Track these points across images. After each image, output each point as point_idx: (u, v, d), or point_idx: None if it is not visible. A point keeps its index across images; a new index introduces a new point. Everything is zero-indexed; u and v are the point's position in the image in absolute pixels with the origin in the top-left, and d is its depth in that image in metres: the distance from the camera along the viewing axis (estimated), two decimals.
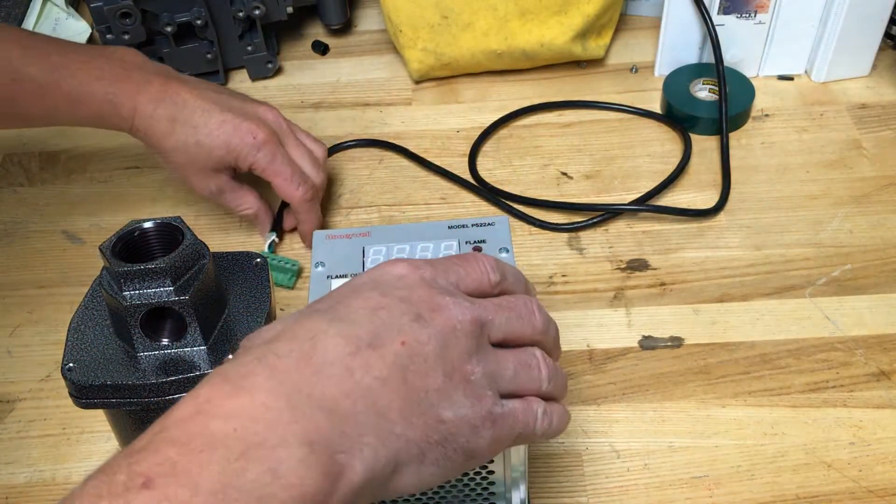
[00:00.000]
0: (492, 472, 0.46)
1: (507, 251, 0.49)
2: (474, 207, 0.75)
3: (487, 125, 0.81)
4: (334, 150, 0.80)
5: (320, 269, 0.48)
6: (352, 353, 0.35)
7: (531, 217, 0.73)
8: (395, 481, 0.36)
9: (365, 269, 0.48)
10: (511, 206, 0.74)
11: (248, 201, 0.70)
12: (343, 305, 0.38)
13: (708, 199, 0.74)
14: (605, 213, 0.72)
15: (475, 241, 0.50)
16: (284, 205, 0.73)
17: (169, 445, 0.31)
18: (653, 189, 0.74)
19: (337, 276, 0.48)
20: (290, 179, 0.67)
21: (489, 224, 0.51)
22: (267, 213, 0.72)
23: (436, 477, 0.37)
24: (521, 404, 0.40)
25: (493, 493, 0.48)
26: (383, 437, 0.35)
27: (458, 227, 0.51)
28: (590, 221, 0.72)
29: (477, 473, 0.46)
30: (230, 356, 0.37)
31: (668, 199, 0.74)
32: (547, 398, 0.41)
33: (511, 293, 0.42)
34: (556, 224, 0.72)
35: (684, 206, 0.73)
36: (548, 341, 0.42)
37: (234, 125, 0.65)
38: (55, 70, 0.63)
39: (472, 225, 0.51)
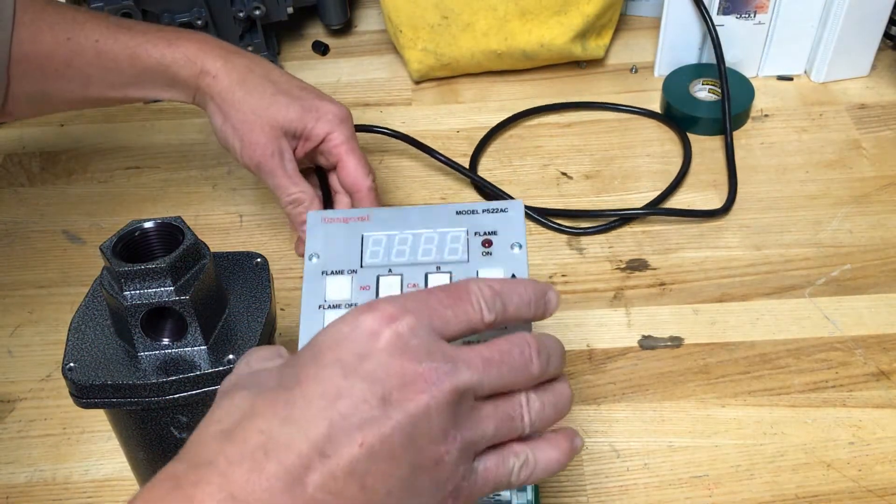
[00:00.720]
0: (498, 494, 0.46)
1: (521, 246, 0.45)
2: None
3: (491, 126, 0.81)
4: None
5: (315, 261, 0.46)
6: (304, 465, 0.32)
7: (545, 221, 0.72)
8: None
9: (362, 263, 0.45)
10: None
11: (303, 184, 0.62)
12: (300, 393, 0.34)
13: (707, 200, 0.74)
14: (617, 219, 0.72)
15: (485, 232, 0.46)
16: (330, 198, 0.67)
17: None
18: (662, 192, 0.74)
19: (333, 273, 0.45)
20: (363, 162, 0.62)
21: (502, 210, 0.46)
22: (319, 204, 0.64)
23: None
24: (494, 461, 0.37)
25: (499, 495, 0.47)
26: None
27: (467, 212, 0.47)
28: (603, 226, 0.71)
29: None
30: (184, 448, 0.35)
31: (667, 200, 0.74)
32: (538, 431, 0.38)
33: (512, 321, 0.39)
34: (571, 228, 0.72)
35: (683, 206, 0.73)
36: (547, 376, 0.39)
37: (317, 93, 0.62)
38: (113, 27, 0.60)
39: (483, 211, 0.47)
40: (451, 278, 0.45)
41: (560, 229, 0.72)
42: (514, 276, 0.45)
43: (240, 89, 0.60)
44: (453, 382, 0.34)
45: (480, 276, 0.45)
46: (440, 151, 0.76)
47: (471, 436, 0.36)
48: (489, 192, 0.75)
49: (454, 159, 0.79)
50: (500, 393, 0.37)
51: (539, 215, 0.72)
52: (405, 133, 0.77)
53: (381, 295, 0.45)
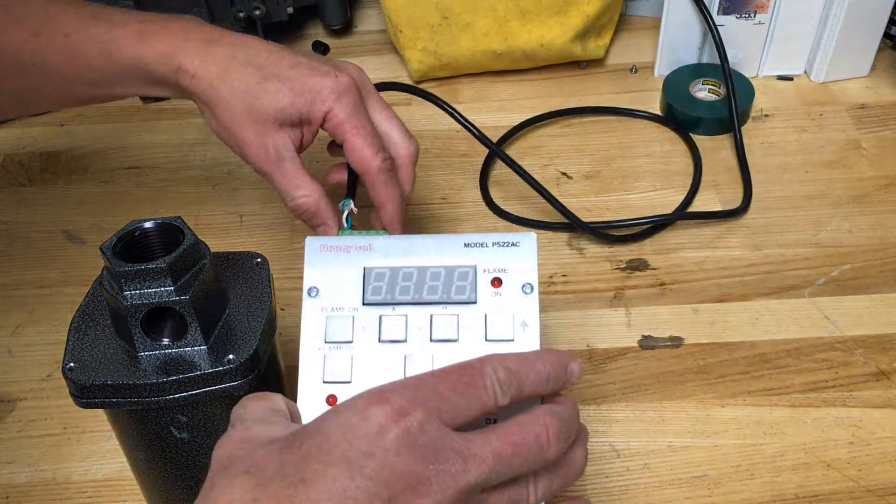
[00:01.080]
0: None
1: (532, 289, 0.43)
2: (474, 208, 0.75)
3: (501, 126, 0.80)
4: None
5: (315, 299, 0.44)
6: None
7: (597, 234, 0.71)
8: None
9: (364, 300, 0.43)
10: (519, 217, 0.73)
11: (307, 186, 0.55)
12: (305, 491, 0.33)
13: (707, 200, 0.74)
14: (651, 226, 0.71)
15: (495, 270, 0.44)
16: (352, 177, 0.58)
17: None
18: (685, 198, 0.74)
19: (333, 310, 0.44)
20: (369, 140, 0.54)
21: (513, 244, 0.44)
22: (328, 209, 0.56)
23: None
24: None
25: None
26: None
27: (476, 245, 0.44)
28: (639, 234, 0.71)
29: None
30: None
31: (666, 200, 0.74)
32: None
33: (528, 399, 0.37)
34: (610, 235, 0.71)
35: (675, 206, 0.73)
36: (565, 451, 0.37)
37: (311, 67, 0.53)
38: (86, 19, 0.54)
39: (493, 244, 0.44)
40: (457, 321, 0.44)
41: (607, 238, 0.70)
42: (524, 321, 0.44)
43: (222, 84, 0.53)
44: (460, 484, 0.34)
45: (489, 323, 0.44)
46: (439, 152, 0.76)
47: None
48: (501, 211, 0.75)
49: (454, 159, 0.79)
50: (509, 480, 0.36)
51: (583, 228, 0.70)
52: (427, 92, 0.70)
53: (384, 337, 0.44)
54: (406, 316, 0.44)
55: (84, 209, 0.77)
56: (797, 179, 0.76)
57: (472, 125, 0.68)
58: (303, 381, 0.44)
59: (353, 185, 0.57)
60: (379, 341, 0.44)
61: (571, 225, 0.71)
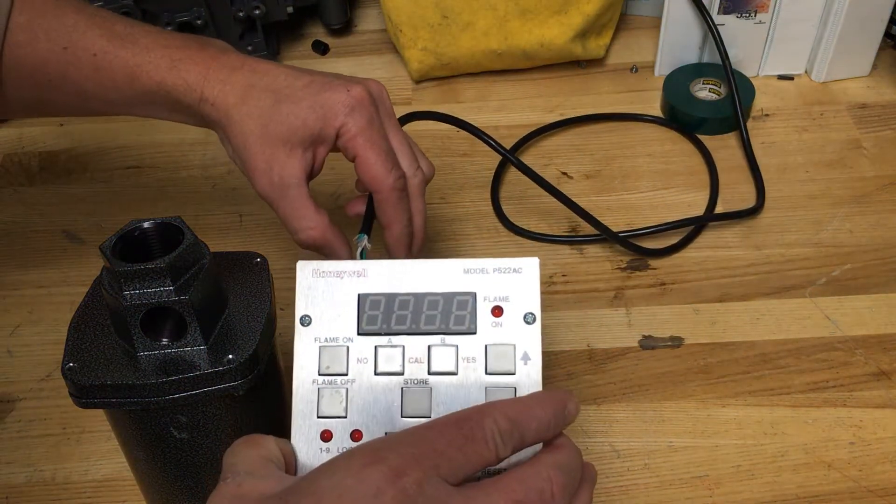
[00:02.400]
0: None
1: (534, 318, 0.42)
2: (474, 207, 0.75)
3: (506, 134, 0.80)
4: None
5: (308, 327, 0.42)
6: None
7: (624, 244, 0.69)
8: None
9: (359, 329, 0.42)
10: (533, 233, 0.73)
11: (312, 218, 0.53)
12: None
13: (699, 199, 0.74)
14: (684, 235, 0.71)
15: (495, 298, 0.42)
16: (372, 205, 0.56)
17: None
18: (709, 202, 0.73)
19: (327, 341, 0.43)
20: (383, 156, 0.52)
21: (515, 271, 0.42)
22: (337, 238, 0.54)
23: None
24: None
25: None
26: None
27: (476, 271, 0.42)
28: (678, 245, 0.70)
29: None
30: None
31: (667, 201, 0.74)
32: None
33: (531, 445, 0.36)
34: (645, 248, 0.70)
35: (679, 207, 0.73)
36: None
37: (325, 83, 0.52)
38: (115, 39, 0.53)
39: (494, 270, 0.42)
40: (456, 353, 0.42)
41: (639, 250, 0.69)
42: (525, 353, 0.42)
43: (237, 112, 0.52)
44: None
45: (490, 355, 0.42)
46: (440, 151, 0.76)
47: None
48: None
49: (454, 159, 0.79)
50: None
51: (611, 238, 0.69)
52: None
53: (380, 367, 0.43)
54: (403, 346, 0.43)
55: (84, 209, 0.77)
56: (798, 179, 0.75)
57: (490, 138, 0.65)
58: (296, 416, 0.43)
59: (371, 218, 0.55)
60: (375, 373, 0.43)
61: (581, 237, 0.71)
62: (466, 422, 0.35)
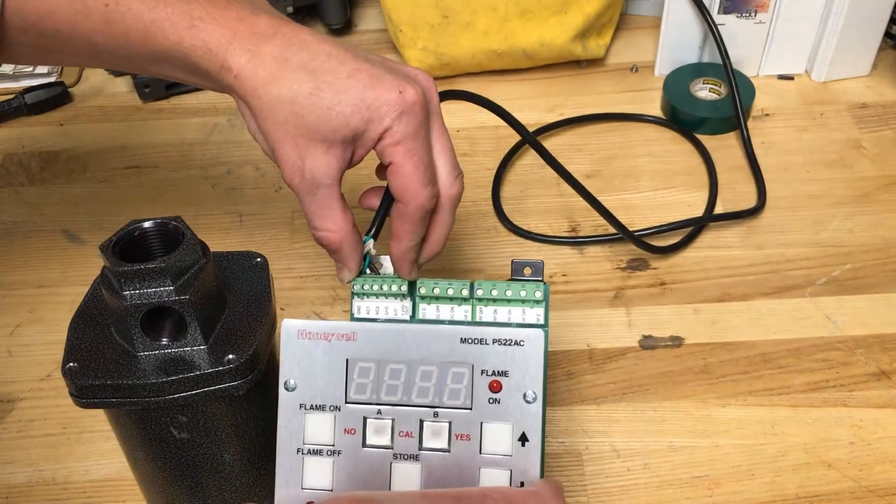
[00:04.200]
0: None
1: (536, 397, 0.39)
2: (474, 207, 0.75)
3: (514, 144, 0.79)
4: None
5: (291, 392, 0.40)
6: None
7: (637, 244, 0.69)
8: None
9: (347, 398, 0.40)
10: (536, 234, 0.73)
11: (336, 222, 0.48)
12: None
13: (699, 198, 0.74)
14: (689, 231, 0.70)
15: (494, 372, 0.39)
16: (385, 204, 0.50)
17: None
18: (708, 202, 0.73)
19: (312, 408, 0.41)
20: (422, 170, 0.47)
21: (517, 343, 0.39)
22: (353, 248, 0.48)
23: None
24: None
25: None
26: None
27: (474, 341, 0.40)
28: (682, 243, 0.70)
29: None
30: None
31: (668, 201, 0.74)
32: None
33: None
34: (655, 246, 0.69)
35: (679, 207, 0.73)
36: None
37: (375, 76, 0.46)
38: None
39: (494, 341, 0.40)
40: (449, 429, 0.40)
41: (651, 248, 0.69)
42: (524, 438, 0.40)
43: (269, 90, 0.46)
44: None
45: (485, 433, 0.40)
46: None
47: None
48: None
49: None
50: None
51: (630, 238, 0.68)
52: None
53: (369, 441, 0.41)
54: (393, 419, 0.41)
55: (84, 209, 0.77)
56: (798, 179, 0.75)
57: (517, 122, 0.60)
58: (280, 486, 0.41)
59: (382, 220, 0.49)
60: (363, 445, 0.41)
61: (581, 237, 0.71)
62: (465, 500, 0.33)
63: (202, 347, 0.48)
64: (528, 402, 0.39)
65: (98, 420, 0.60)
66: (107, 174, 0.80)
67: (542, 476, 0.39)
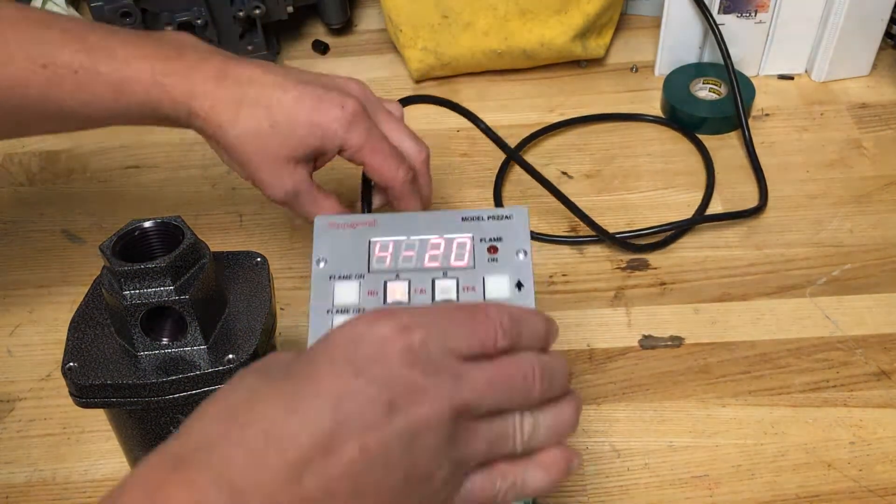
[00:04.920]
0: None
1: (526, 253, 0.46)
2: (475, 207, 0.75)
3: (511, 138, 0.79)
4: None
5: (322, 266, 0.46)
6: (304, 459, 0.33)
7: (615, 242, 0.70)
8: None
9: (369, 268, 0.46)
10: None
11: (324, 206, 0.56)
12: (309, 386, 0.34)
13: (699, 198, 0.74)
14: (674, 231, 0.71)
15: (490, 238, 0.47)
16: (367, 185, 0.60)
17: None
18: (702, 201, 0.73)
19: (340, 278, 0.46)
20: (389, 158, 0.55)
21: (506, 217, 0.47)
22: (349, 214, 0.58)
23: None
24: (481, 483, 0.37)
25: None
26: None
27: (472, 218, 0.48)
28: (663, 242, 0.70)
29: None
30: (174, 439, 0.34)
31: (668, 201, 0.74)
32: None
33: (519, 349, 0.39)
34: (635, 244, 0.70)
35: (679, 207, 0.73)
36: (548, 398, 0.39)
37: (316, 97, 0.53)
38: (93, 51, 0.52)
39: (488, 217, 0.47)
40: (457, 284, 0.46)
41: (635, 248, 0.69)
42: (519, 282, 0.46)
43: (233, 129, 0.53)
44: (455, 401, 0.35)
45: (487, 283, 0.46)
46: (440, 151, 0.76)
47: (463, 455, 0.36)
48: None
49: (454, 159, 0.79)
50: (496, 412, 0.37)
51: (604, 236, 0.69)
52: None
53: (389, 299, 0.46)
54: (409, 280, 0.46)
55: (84, 209, 0.77)
56: (798, 179, 0.75)
57: (492, 131, 0.65)
58: (312, 342, 0.45)
59: (369, 195, 0.59)
60: (384, 303, 0.46)
61: (581, 237, 0.71)
62: (474, 307, 0.38)
63: (202, 347, 0.48)
64: (520, 258, 0.46)
65: (98, 420, 0.60)
66: (107, 174, 0.80)
67: None
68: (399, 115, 0.60)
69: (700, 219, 0.72)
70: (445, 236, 0.47)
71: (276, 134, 0.53)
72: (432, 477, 0.35)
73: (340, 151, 0.55)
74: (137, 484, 0.32)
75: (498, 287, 0.46)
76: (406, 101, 0.63)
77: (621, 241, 0.70)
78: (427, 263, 0.46)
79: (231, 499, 0.31)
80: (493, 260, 0.46)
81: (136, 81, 0.52)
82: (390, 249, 0.47)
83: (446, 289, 0.46)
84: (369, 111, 0.55)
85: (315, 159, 0.56)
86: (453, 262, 0.46)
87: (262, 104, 0.53)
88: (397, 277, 0.46)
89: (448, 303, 0.40)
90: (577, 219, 0.72)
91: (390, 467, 0.34)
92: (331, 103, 0.53)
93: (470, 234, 0.47)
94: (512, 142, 0.80)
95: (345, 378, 0.34)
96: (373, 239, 0.47)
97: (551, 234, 0.72)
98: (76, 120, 0.55)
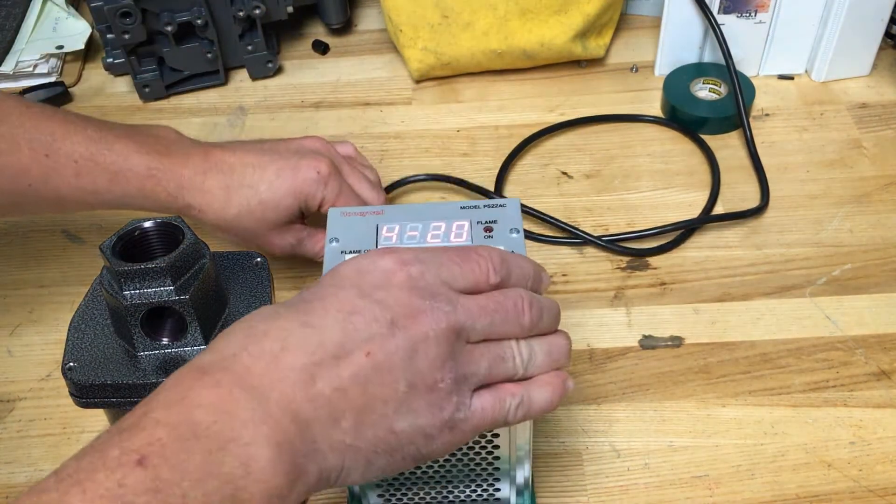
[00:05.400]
0: (497, 447, 0.47)
1: (518, 232, 0.49)
2: None
3: (516, 145, 0.79)
4: (399, 185, 0.75)
5: (335, 244, 0.49)
6: (316, 363, 0.37)
7: (614, 247, 0.70)
8: (342, 479, 0.38)
9: (377, 246, 0.49)
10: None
11: (321, 240, 0.65)
12: (320, 305, 0.39)
13: (699, 198, 0.74)
14: (681, 233, 0.70)
15: (486, 222, 0.50)
16: None
17: (159, 427, 0.34)
18: (709, 201, 0.73)
19: (351, 252, 0.49)
20: (365, 193, 0.65)
21: (501, 206, 0.51)
22: None
23: (384, 473, 0.40)
24: (490, 400, 0.41)
25: (497, 469, 0.48)
26: (334, 446, 0.37)
27: (470, 207, 0.51)
28: (670, 243, 0.70)
29: (483, 447, 0.47)
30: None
31: (668, 201, 0.74)
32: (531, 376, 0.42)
33: (509, 286, 0.42)
34: (637, 249, 0.70)
35: (680, 207, 0.73)
36: (539, 330, 0.43)
37: (292, 168, 0.61)
38: (92, 144, 0.58)
39: (485, 206, 0.51)
40: None
41: (628, 252, 0.70)
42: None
43: (227, 212, 0.60)
44: (451, 321, 0.39)
45: None
46: (440, 151, 0.76)
47: (464, 370, 0.40)
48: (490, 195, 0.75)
49: (454, 158, 0.79)
50: (493, 339, 0.41)
51: (606, 243, 0.70)
52: (401, 138, 0.76)
53: None
54: None
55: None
56: (798, 179, 0.75)
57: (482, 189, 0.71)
58: None
59: None
60: None
61: (576, 240, 0.71)
62: (466, 249, 0.42)
63: (202, 347, 0.48)
64: (512, 235, 0.49)
65: (98, 420, 0.60)
66: None
67: None
68: (354, 155, 0.68)
69: (702, 220, 0.72)
70: (446, 220, 0.50)
71: (266, 208, 0.60)
72: (435, 386, 0.39)
73: (320, 206, 0.62)
74: (169, 387, 0.36)
75: None
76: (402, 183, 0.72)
77: (622, 247, 0.70)
78: (429, 241, 0.50)
79: (252, 397, 0.35)
80: (488, 237, 0.50)
81: (131, 172, 0.58)
82: (396, 231, 0.50)
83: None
84: (336, 164, 0.63)
85: (303, 215, 0.63)
86: (453, 240, 0.50)
87: (246, 185, 0.60)
88: None
89: (441, 247, 0.43)
90: (578, 220, 0.73)
91: (395, 373, 0.38)
92: (307, 169, 0.61)
93: (468, 219, 0.50)
94: (512, 142, 0.80)
95: (352, 299, 0.39)
96: (380, 223, 0.51)
97: (551, 234, 0.72)
98: (72, 204, 0.60)
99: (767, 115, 0.82)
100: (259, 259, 0.54)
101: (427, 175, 0.75)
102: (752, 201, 0.73)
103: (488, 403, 0.41)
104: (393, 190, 0.75)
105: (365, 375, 0.37)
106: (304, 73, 0.90)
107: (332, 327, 0.38)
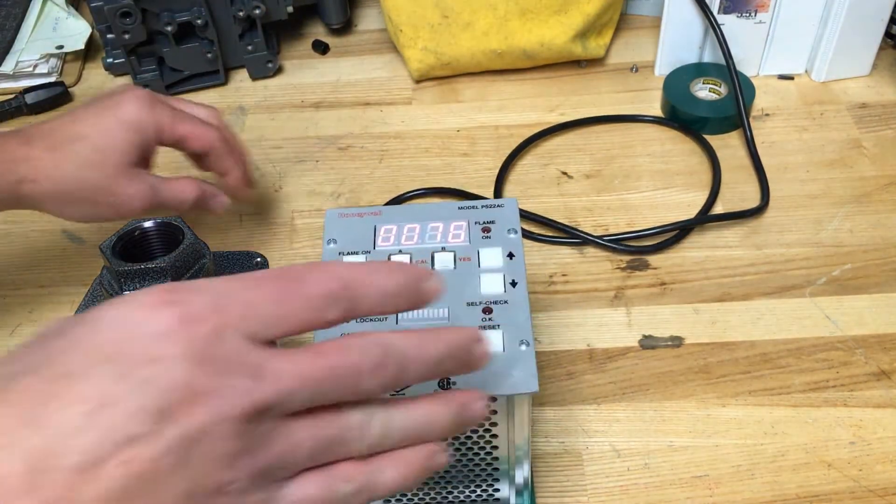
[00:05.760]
0: (495, 447, 0.47)
1: (516, 232, 0.50)
2: None
3: (515, 146, 0.79)
4: (401, 199, 0.75)
5: (332, 245, 0.49)
6: (43, 480, 0.26)
7: (616, 247, 0.70)
8: None
9: (375, 246, 0.49)
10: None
11: (185, 185, 0.60)
12: (62, 389, 0.28)
13: (699, 198, 0.74)
14: (678, 231, 0.71)
15: (484, 222, 0.51)
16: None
17: None
18: (708, 200, 0.73)
19: (349, 253, 0.49)
20: (199, 124, 0.59)
21: (499, 206, 0.51)
22: (213, 187, 0.62)
23: None
24: (315, 489, 0.32)
25: (496, 469, 0.48)
26: None
27: (468, 208, 0.51)
28: (669, 241, 0.70)
29: (481, 448, 0.47)
30: None
31: (668, 201, 0.74)
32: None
33: (367, 315, 0.32)
34: (637, 247, 0.70)
35: (680, 207, 0.73)
36: (400, 385, 0.32)
37: (113, 105, 0.57)
38: None
39: (483, 206, 0.51)
40: (454, 257, 0.49)
41: (628, 250, 0.70)
42: (511, 254, 0.49)
43: (61, 172, 0.55)
44: (251, 401, 0.29)
45: (481, 255, 0.49)
46: (440, 151, 0.76)
47: (269, 461, 0.30)
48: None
49: (454, 159, 0.79)
50: (328, 406, 0.31)
51: (609, 242, 0.70)
52: (401, 138, 0.76)
53: None
54: (411, 254, 0.50)
55: None
56: (798, 179, 0.75)
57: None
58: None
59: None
60: None
61: (576, 240, 0.71)
62: (287, 276, 0.31)
63: None
64: (510, 235, 0.49)
65: None
66: None
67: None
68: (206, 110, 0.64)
69: (702, 219, 0.72)
70: (444, 221, 0.51)
71: (105, 153, 0.55)
72: (222, 490, 0.29)
73: (160, 139, 0.58)
74: None
75: (491, 257, 0.49)
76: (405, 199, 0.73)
77: (622, 245, 0.70)
78: (427, 241, 0.50)
79: None
80: (486, 237, 0.50)
81: None
82: (394, 232, 0.50)
83: (445, 260, 0.49)
84: (154, 96, 0.59)
85: (146, 159, 0.58)
86: (451, 240, 0.50)
87: (72, 138, 0.55)
88: (400, 252, 0.50)
89: (261, 272, 0.32)
90: (578, 220, 0.73)
91: (165, 484, 0.28)
92: (128, 101, 0.57)
93: (466, 220, 0.51)
94: (512, 142, 0.80)
95: (105, 385, 0.28)
96: (378, 224, 0.51)
97: (551, 234, 0.72)
98: None
99: (767, 115, 0.82)
100: (259, 259, 0.54)
101: (425, 189, 0.75)
102: (752, 201, 0.73)
103: (314, 491, 0.32)
104: (391, 204, 0.75)
105: (121, 492, 0.27)
106: (304, 73, 0.90)
107: (72, 430, 0.27)
